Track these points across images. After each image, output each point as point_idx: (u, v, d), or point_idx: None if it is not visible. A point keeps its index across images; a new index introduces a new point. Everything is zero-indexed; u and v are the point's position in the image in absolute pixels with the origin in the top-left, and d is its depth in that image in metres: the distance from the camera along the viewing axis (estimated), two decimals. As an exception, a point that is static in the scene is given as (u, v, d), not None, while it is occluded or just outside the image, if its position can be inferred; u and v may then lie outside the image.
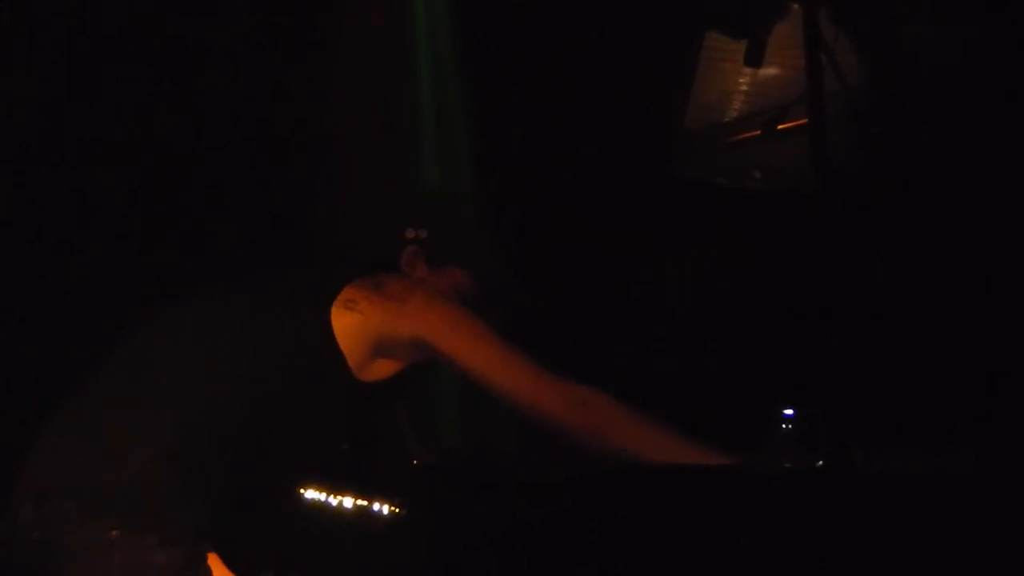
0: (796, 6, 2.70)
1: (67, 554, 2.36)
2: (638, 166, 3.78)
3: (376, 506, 2.46)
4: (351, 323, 2.56)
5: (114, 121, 3.97)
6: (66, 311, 3.82)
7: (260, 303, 2.64)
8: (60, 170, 3.93)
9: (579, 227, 3.98)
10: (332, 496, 2.56)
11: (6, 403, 3.65)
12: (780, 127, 2.95)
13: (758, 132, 3.02)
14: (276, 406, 2.54)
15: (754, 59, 2.90)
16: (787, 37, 2.91)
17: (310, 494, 2.61)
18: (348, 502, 2.53)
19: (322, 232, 3.01)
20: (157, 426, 2.46)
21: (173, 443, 2.44)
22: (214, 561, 2.46)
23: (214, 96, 4.08)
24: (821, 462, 2.19)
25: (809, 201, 2.25)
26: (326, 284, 2.61)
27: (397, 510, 2.40)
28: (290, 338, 2.56)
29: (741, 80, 3.10)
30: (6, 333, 3.80)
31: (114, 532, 2.36)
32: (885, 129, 3.07)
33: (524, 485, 2.26)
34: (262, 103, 4.12)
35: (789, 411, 2.73)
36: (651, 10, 3.79)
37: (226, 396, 2.51)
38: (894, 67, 3.05)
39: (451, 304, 2.63)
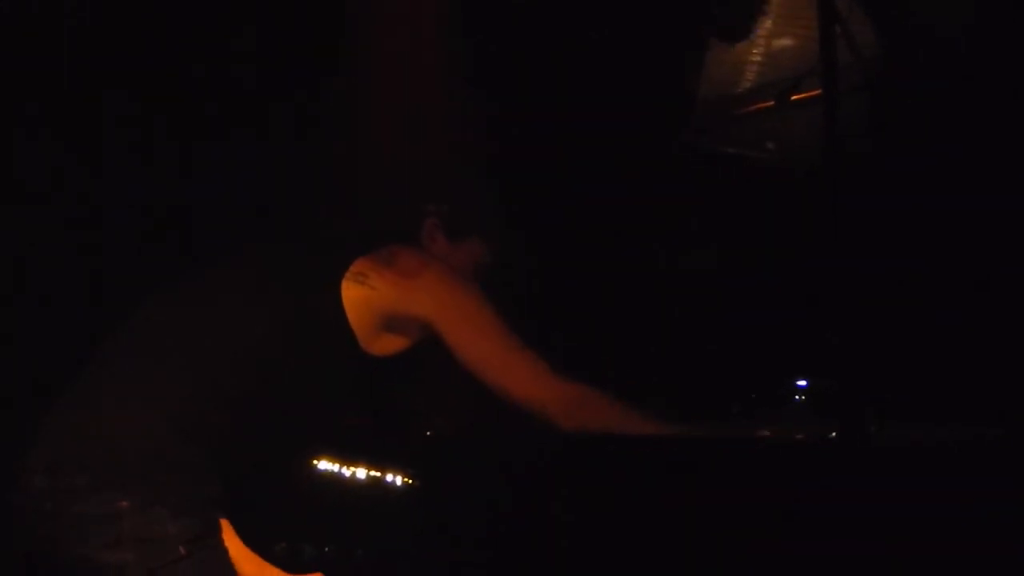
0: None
1: (78, 525, 2.38)
2: (652, 137, 3.77)
3: (389, 477, 2.46)
4: (361, 297, 2.56)
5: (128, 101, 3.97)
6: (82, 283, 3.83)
7: (270, 275, 2.63)
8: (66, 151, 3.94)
9: (593, 197, 3.97)
10: (346, 467, 2.57)
11: (14, 381, 3.66)
12: (793, 98, 2.94)
13: (771, 103, 3.01)
14: (285, 377, 2.54)
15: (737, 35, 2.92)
16: (801, 8, 2.90)
17: (324, 465, 2.62)
18: (362, 473, 2.53)
19: (338, 203, 3.00)
20: (167, 397, 2.46)
21: (184, 414, 2.45)
22: (226, 529, 2.47)
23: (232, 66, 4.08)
24: (834, 433, 2.19)
25: (823, 172, 2.25)
26: (337, 256, 2.60)
27: (410, 481, 2.40)
28: (299, 310, 2.56)
29: (755, 51, 3.09)
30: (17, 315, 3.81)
31: (124, 503, 2.37)
32: (899, 101, 3.06)
33: (535, 456, 2.27)
34: (279, 74, 4.12)
35: (802, 382, 2.73)
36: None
37: (235, 367, 2.51)
38: (908, 38, 3.04)
39: (462, 287, 2.60)
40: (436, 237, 2.77)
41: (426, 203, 2.78)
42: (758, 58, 3.10)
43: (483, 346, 2.51)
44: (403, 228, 2.74)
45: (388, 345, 2.62)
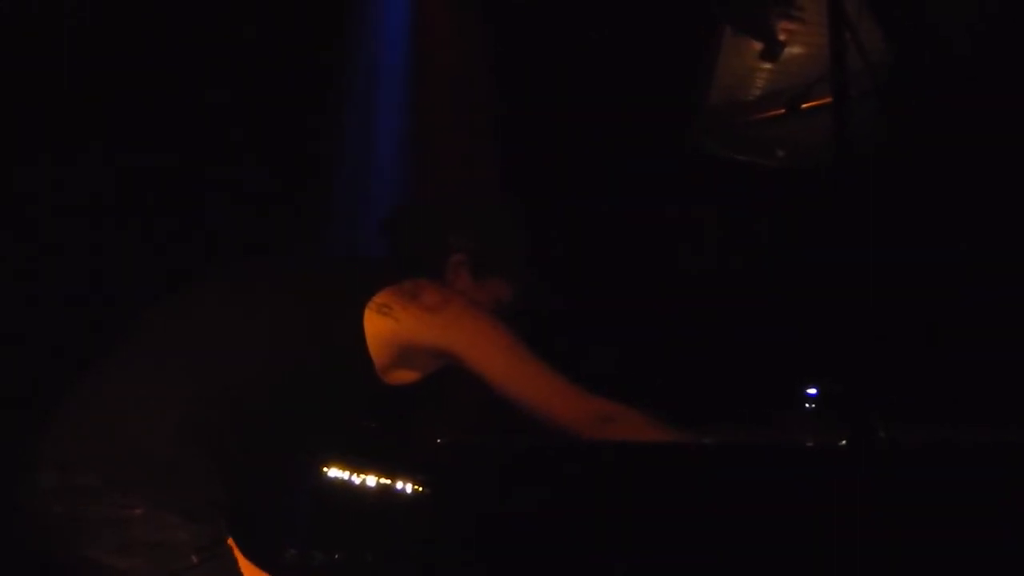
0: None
1: (88, 529, 2.38)
2: (662, 145, 3.78)
3: (399, 484, 2.46)
4: (383, 328, 2.55)
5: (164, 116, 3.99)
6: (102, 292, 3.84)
7: (293, 294, 2.62)
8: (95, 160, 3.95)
9: (602, 200, 3.98)
10: (356, 474, 2.57)
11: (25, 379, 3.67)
12: (804, 106, 2.94)
13: (782, 111, 3.01)
14: (300, 396, 2.55)
15: (772, 55, 2.93)
16: (811, 15, 2.90)
17: (333, 472, 2.62)
18: (372, 480, 2.54)
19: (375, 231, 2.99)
20: (176, 402, 2.46)
21: (192, 420, 2.45)
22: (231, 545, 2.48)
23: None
24: (844, 440, 2.18)
25: (833, 178, 2.25)
26: (362, 285, 2.60)
27: (420, 488, 2.40)
28: (319, 335, 2.55)
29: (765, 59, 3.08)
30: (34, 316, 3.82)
31: (137, 510, 2.38)
32: (909, 107, 3.06)
33: (545, 463, 2.27)
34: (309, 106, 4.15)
35: (812, 390, 2.73)
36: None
37: (251, 381, 2.51)
38: (918, 44, 3.04)
39: (483, 316, 2.61)
40: (460, 274, 2.76)
41: (453, 239, 2.77)
42: (768, 65, 3.09)
43: (510, 371, 2.52)
44: (428, 262, 2.73)
45: (404, 376, 2.62)
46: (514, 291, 2.80)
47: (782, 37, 2.96)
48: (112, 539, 2.37)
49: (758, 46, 3.02)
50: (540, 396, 2.49)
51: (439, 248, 2.76)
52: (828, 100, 2.39)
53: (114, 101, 3.96)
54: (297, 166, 4.15)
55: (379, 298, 2.57)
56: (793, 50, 2.99)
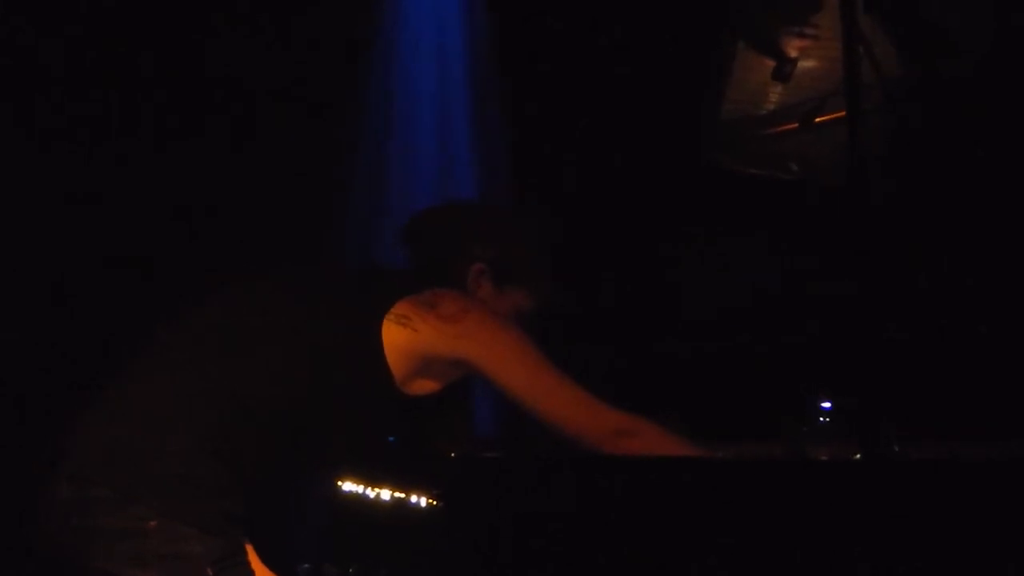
0: (833, -2, 2.70)
1: (103, 541, 2.39)
2: (675, 160, 3.79)
3: (414, 498, 2.46)
4: (402, 338, 2.55)
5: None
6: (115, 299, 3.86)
7: (311, 305, 2.63)
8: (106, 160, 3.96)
9: (615, 214, 3.99)
10: (370, 488, 2.57)
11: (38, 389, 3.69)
12: (817, 120, 2.94)
13: (795, 125, 3.01)
14: (317, 408, 2.55)
15: (783, 75, 2.93)
16: (824, 29, 2.91)
17: (348, 486, 2.62)
18: (386, 494, 2.54)
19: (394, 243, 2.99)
20: (196, 415, 2.47)
21: (211, 433, 2.46)
22: (249, 552, 2.49)
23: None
24: (858, 454, 2.18)
25: (846, 192, 2.25)
26: (380, 295, 2.60)
27: (434, 502, 2.40)
28: (338, 346, 2.55)
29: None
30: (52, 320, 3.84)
31: (152, 522, 2.38)
32: (923, 121, 3.06)
33: (559, 476, 2.27)
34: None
35: (826, 404, 2.73)
36: (688, 2, 3.80)
37: (268, 393, 2.52)
38: (932, 58, 3.04)
39: (503, 326, 2.60)
40: (482, 283, 2.76)
41: (475, 248, 2.76)
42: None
43: (529, 382, 2.52)
44: (449, 271, 2.73)
45: (423, 386, 2.62)
46: (535, 301, 2.80)
47: (794, 54, 2.96)
48: (127, 551, 2.38)
49: (771, 62, 3.02)
50: (558, 408, 2.49)
51: (460, 257, 2.75)
52: (842, 114, 2.39)
53: (125, 101, 3.97)
54: (315, 174, 4.16)
55: (398, 308, 2.56)
56: (806, 64, 2.98)
